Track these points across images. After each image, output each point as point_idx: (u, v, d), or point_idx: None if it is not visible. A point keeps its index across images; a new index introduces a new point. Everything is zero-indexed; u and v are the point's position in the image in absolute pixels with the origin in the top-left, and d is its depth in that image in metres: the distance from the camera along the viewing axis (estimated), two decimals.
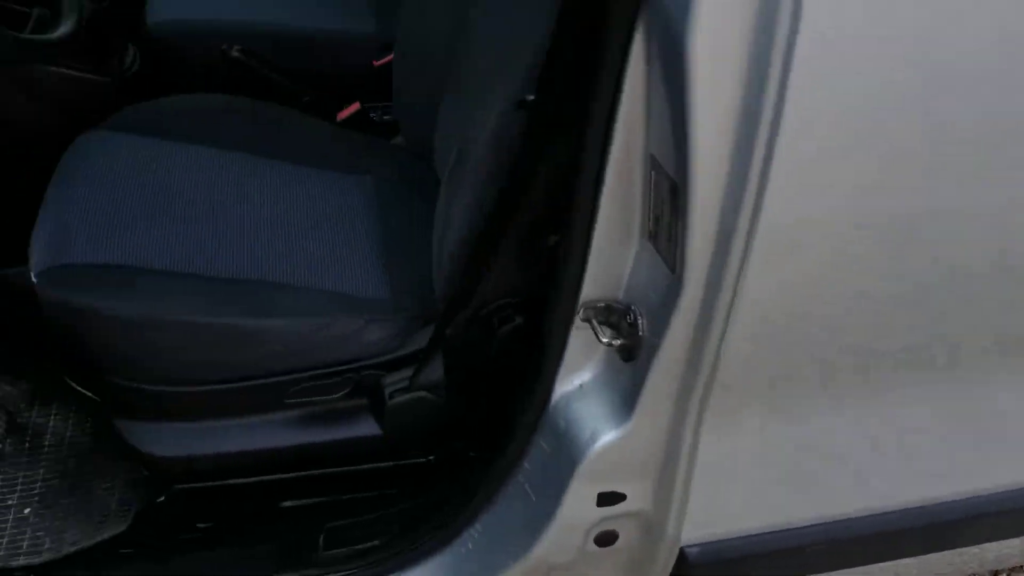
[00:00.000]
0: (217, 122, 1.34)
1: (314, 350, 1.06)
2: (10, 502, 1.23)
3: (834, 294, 0.83)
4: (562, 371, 0.94)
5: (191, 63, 1.57)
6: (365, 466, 1.17)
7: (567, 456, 0.92)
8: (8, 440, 1.32)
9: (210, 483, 1.15)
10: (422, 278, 1.14)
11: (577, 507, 0.94)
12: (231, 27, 1.60)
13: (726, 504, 0.99)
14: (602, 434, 0.89)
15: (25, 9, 1.26)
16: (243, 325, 1.03)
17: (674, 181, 0.75)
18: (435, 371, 1.09)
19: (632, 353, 0.88)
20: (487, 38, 1.13)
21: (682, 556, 0.99)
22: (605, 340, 0.87)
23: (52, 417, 1.36)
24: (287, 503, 1.16)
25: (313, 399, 1.08)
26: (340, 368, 1.08)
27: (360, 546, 1.05)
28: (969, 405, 1.00)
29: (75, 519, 1.18)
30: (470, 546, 1.01)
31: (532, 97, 0.84)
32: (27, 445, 1.32)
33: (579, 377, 0.94)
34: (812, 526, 1.00)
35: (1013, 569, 1.52)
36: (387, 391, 1.09)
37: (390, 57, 1.64)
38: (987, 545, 1.17)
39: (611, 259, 0.86)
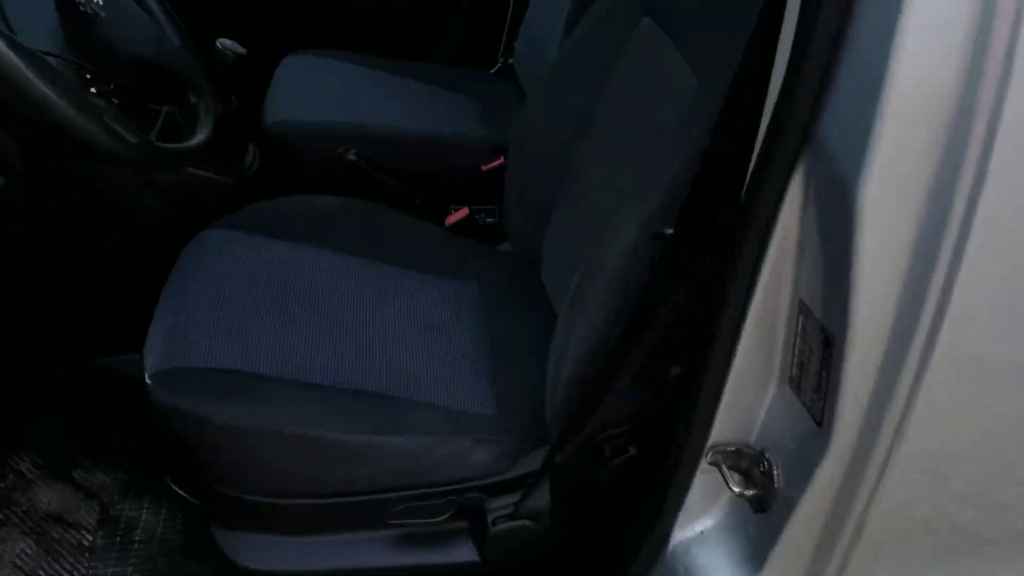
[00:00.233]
0: (333, 224, 1.35)
1: (422, 469, 1.03)
2: None
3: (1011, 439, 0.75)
4: (682, 515, 0.88)
5: (307, 162, 1.61)
6: None
7: None
8: (100, 532, 1.31)
9: None
10: (531, 396, 1.11)
11: None
12: (346, 128, 1.64)
13: None
14: None
15: (156, 107, 1.30)
16: (354, 441, 1.01)
17: (827, 331, 0.70)
18: (542, 498, 1.04)
19: (764, 504, 0.82)
20: (612, 155, 1.11)
21: None
22: (736, 489, 0.81)
23: (145, 511, 1.35)
24: None
25: (414, 520, 1.03)
26: (445, 489, 1.04)
27: None
28: None
29: None
30: None
31: (671, 231, 0.81)
32: (118, 539, 1.31)
33: (701, 523, 0.88)
34: None
35: None
36: (490, 516, 1.04)
37: (499, 161, 1.65)
38: None
39: (745, 402, 0.81)
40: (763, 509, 0.82)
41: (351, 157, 1.54)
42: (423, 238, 1.41)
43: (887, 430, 0.70)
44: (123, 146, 0.92)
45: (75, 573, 1.23)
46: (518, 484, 1.06)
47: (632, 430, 0.99)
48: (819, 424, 0.74)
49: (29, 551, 1.24)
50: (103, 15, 1.04)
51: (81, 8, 1.02)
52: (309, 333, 1.12)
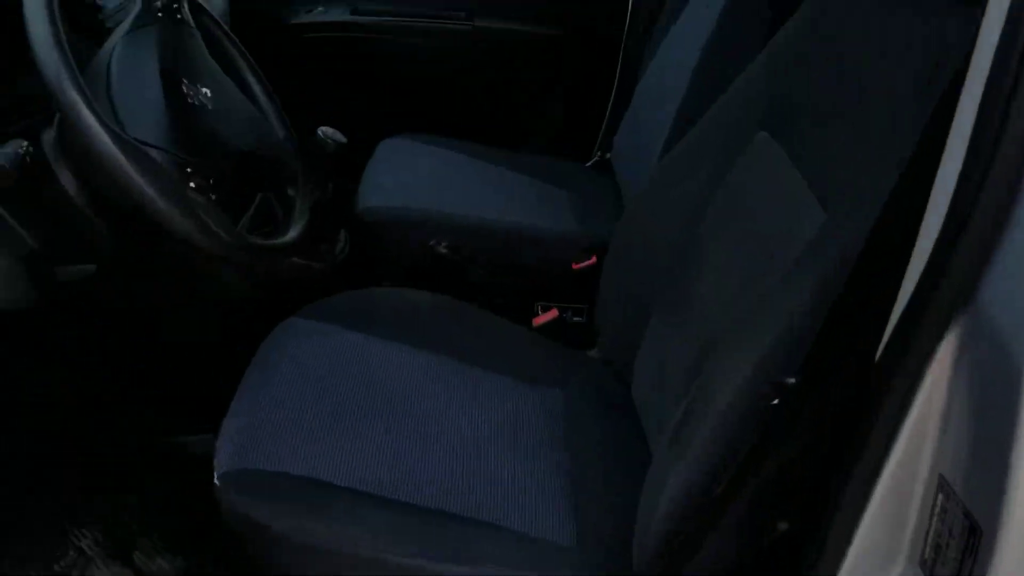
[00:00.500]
0: (423, 320, 1.31)
1: None
2: None
3: None
4: None
5: (396, 251, 1.58)
6: None
7: None
8: None
9: None
10: (614, 526, 1.03)
11: None
12: (437, 218, 1.62)
13: None
14: None
15: (252, 193, 1.30)
16: (429, 568, 0.94)
17: (972, 517, 0.61)
18: None
19: None
20: (722, 274, 1.04)
21: None
22: None
23: None
24: None
25: None
26: None
27: None
28: None
29: None
30: None
31: (793, 381, 0.73)
32: None
33: None
34: None
35: None
36: None
37: (591, 261, 1.60)
38: None
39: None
40: None
41: (442, 250, 1.51)
42: (511, 340, 1.36)
43: None
44: (216, 243, 0.91)
45: None
46: None
47: None
48: None
49: None
50: (210, 107, 1.05)
51: (189, 100, 1.02)
52: (389, 441, 1.07)
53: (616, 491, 1.11)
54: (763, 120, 1.10)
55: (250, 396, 1.12)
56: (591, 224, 1.69)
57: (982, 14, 0.60)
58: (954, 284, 0.57)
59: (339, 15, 2.08)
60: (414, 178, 1.74)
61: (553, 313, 1.55)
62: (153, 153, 0.92)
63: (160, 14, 1.10)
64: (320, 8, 2.09)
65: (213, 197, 0.96)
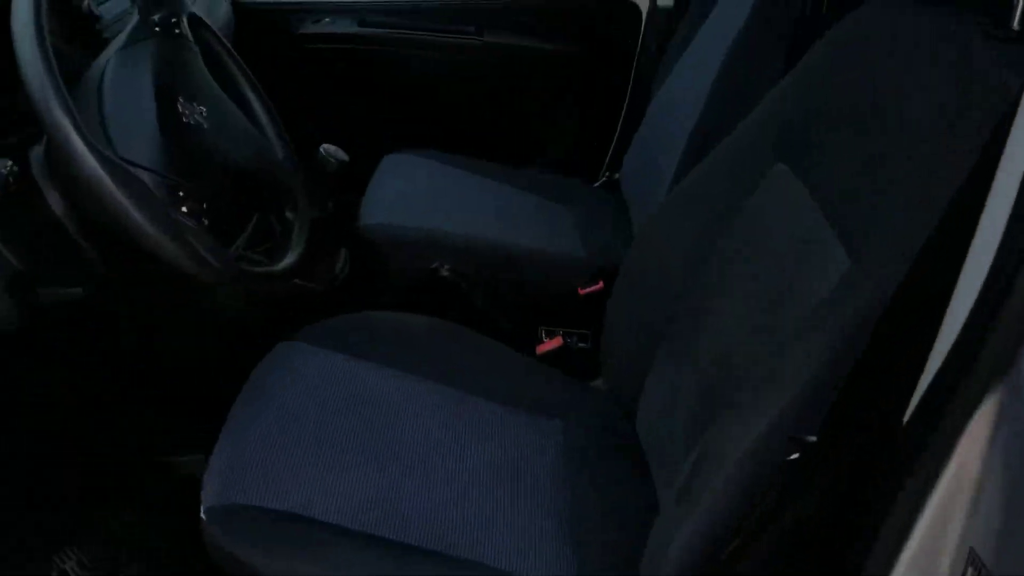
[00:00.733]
0: (418, 347, 1.27)
1: None
2: None
3: None
4: None
5: (398, 270, 1.54)
6: None
7: None
8: None
9: None
10: (612, 571, 0.99)
11: None
12: (441, 238, 1.58)
13: None
14: None
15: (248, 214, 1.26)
16: None
17: None
18: None
19: None
20: (735, 312, 1.00)
21: None
22: None
23: None
24: None
25: None
26: None
27: None
28: None
29: None
30: None
31: (813, 439, 0.69)
32: None
33: None
34: None
35: None
36: None
37: (598, 286, 1.56)
38: None
39: None
40: None
41: (444, 272, 1.47)
42: (512, 369, 1.32)
43: None
44: (207, 271, 0.87)
45: None
46: None
47: None
48: None
49: None
50: (206, 126, 1.01)
51: (184, 119, 0.98)
52: (381, 477, 1.03)
53: (617, 531, 1.07)
54: (782, 151, 1.06)
55: (240, 426, 1.08)
56: (599, 248, 1.65)
57: None
58: (993, 353, 0.53)
59: (346, 27, 2.04)
60: (417, 195, 1.70)
61: (558, 341, 1.50)
62: (144, 175, 0.88)
63: (157, 28, 1.06)
64: (327, 19, 2.06)
65: (206, 222, 0.92)
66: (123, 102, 0.95)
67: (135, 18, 1.08)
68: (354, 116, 2.09)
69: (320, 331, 1.27)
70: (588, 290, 1.56)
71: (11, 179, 0.86)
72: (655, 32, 1.98)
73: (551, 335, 1.57)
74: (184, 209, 0.90)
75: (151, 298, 1.20)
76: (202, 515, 0.98)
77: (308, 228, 1.14)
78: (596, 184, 2.04)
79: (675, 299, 1.16)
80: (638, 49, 2.06)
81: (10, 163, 0.87)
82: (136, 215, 0.81)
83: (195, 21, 1.16)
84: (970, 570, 0.61)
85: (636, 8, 2.04)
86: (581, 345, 1.62)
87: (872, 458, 0.66)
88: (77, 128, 0.80)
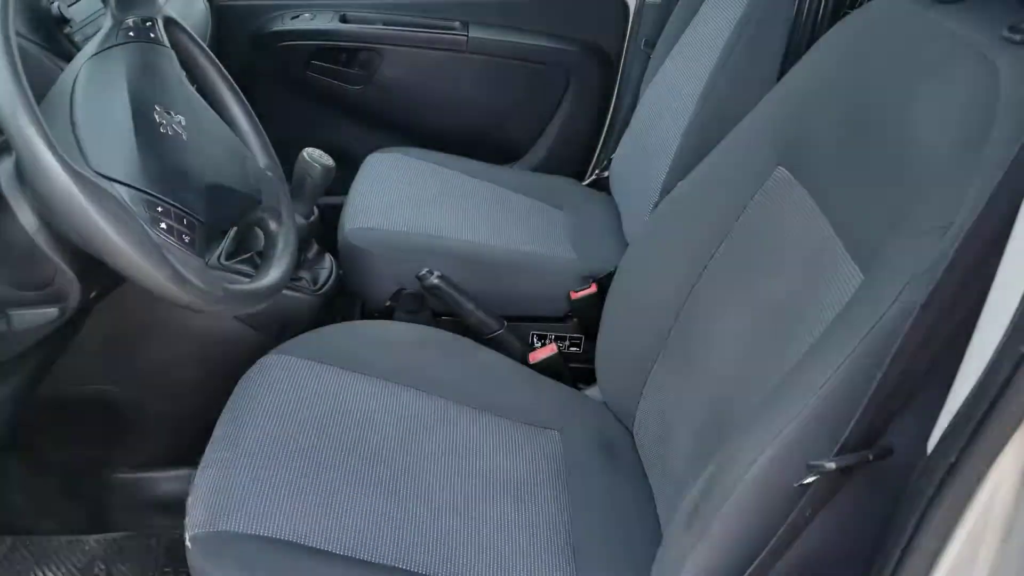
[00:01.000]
0: (407, 357, 1.23)
1: None
2: None
3: None
4: None
5: (384, 278, 1.50)
6: None
7: None
8: None
9: None
10: None
11: None
12: (427, 243, 1.53)
13: None
14: None
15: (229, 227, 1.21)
16: None
17: None
18: None
19: None
20: (739, 321, 0.97)
21: None
22: None
23: None
24: None
25: None
26: None
27: None
28: None
29: None
30: None
31: (831, 465, 0.65)
32: None
33: None
34: None
35: None
36: None
37: (590, 289, 1.52)
38: None
39: None
40: None
41: (433, 280, 1.43)
42: (506, 378, 1.29)
43: None
44: (189, 292, 0.82)
45: None
46: None
47: None
48: None
49: None
50: (184, 136, 0.96)
51: (162, 129, 0.93)
52: (369, 498, 0.99)
53: (617, 546, 1.04)
54: (782, 155, 1.02)
55: (223, 447, 1.04)
56: (590, 250, 1.62)
57: None
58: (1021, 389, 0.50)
59: (326, 22, 1.99)
60: (402, 197, 1.66)
61: (551, 349, 1.47)
62: (119, 191, 0.84)
63: (131, 33, 1.01)
64: (307, 15, 2.00)
65: (186, 239, 0.87)
66: (96, 112, 0.90)
67: (107, 21, 1.03)
68: (336, 115, 2.04)
69: (304, 343, 1.23)
70: (580, 293, 1.53)
71: None
72: (642, 30, 1.95)
73: (542, 340, 1.54)
74: (163, 226, 0.86)
75: (132, 316, 1.15)
76: (187, 543, 0.94)
77: (294, 242, 1.09)
78: (584, 182, 2.00)
79: (673, 311, 1.13)
80: (626, 45, 2.02)
81: None
82: (112, 235, 0.77)
83: (171, 24, 1.11)
84: None
85: (623, 2, 2.01)
86: (574, 349, 1.59)
87: (895, 485, 0.63)
88: (47, 141, 0.75)
